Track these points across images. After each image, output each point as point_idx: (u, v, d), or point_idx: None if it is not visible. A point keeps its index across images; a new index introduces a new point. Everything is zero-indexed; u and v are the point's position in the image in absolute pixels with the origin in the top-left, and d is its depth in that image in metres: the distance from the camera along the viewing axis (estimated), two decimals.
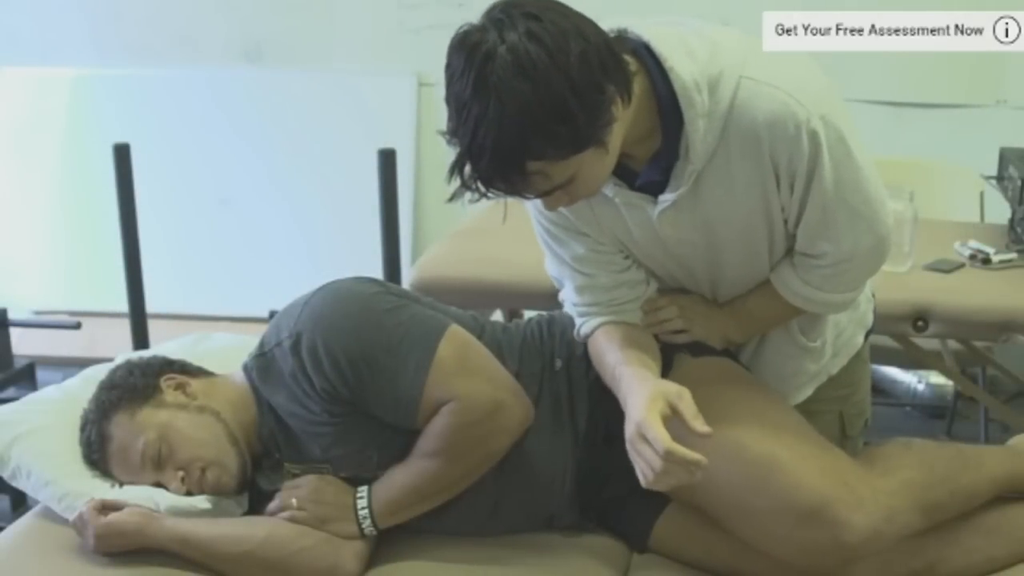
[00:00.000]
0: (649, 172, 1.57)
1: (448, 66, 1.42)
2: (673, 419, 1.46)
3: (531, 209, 1.69)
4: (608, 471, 1.74)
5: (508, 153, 1.38)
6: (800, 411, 1.79)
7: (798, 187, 1.54)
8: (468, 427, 1.61)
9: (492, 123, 1.36)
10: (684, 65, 1.48)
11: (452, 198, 1.46)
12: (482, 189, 1.43)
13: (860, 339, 1.88)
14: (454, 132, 1.41)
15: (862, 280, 1.71)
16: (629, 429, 1.48)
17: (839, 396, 1.88)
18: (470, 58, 1.37)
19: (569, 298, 1.75)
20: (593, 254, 1.69)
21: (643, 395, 1.49)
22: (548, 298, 2.08)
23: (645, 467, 1.45)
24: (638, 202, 1.60)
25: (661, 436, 1.42)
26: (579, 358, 1.76)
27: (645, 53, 1.49)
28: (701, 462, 1.42)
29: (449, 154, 1.45)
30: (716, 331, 1.75)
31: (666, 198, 1.57)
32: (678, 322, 1.73)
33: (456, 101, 1.40)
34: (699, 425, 1.44)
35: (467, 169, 1.41)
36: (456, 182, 1.43)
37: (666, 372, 1.66)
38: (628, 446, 1.48)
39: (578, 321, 1.74)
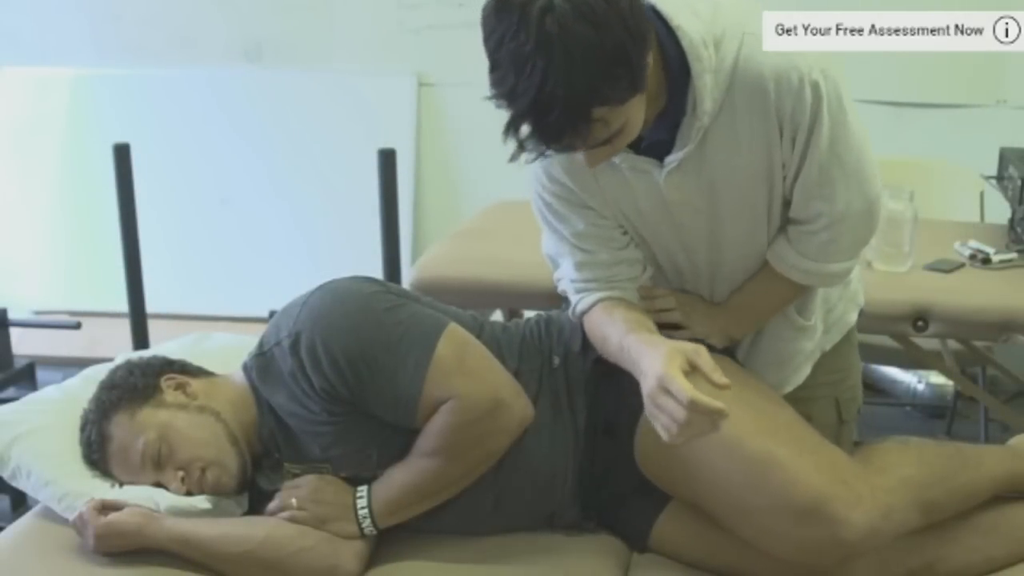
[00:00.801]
0: (655, 131, 1.59)
1: (492, 31, 1.42)
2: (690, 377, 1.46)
3: (535, 184, 1.70)
4: (609, 467, 1.74)
5: (578, 101, 1.40)
6: (798, 398, 1.81)
7: (799, 141, 1.58)
8: (467, 426, 1.61)
9: (561, 72, 1.37)
10: (691, 23, 1.52)
11: (512, 158, 1.49)
12: (542, 146, 1.45)
13: (853, 316, 1.91)
14: (512, 92, 1.41)
15: (855, 248, 1.72)
16: (649, 384, 1.48)
17: (833, 381, 1.90)
18: (524, 15, 1.38)
19: (567, 275, 1.75)
20: (594, 229, 1.70)
21: (660, 352, 1.49)
22: (548, 298, 2.08)
23: (668, 421, 1.45)
24: (645, 166, 1.62)
25: (684, 387, 1.42)
26: (576, 355, 1.77)
27: (652, 15, 1.52)
28: (724, 411, 1.42)
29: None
30: (716, 328, 1.76)
31: (672, 159, 1.60)
32: (676, 315, 1.75)
33: (514, 59, 1.39)
34: (718, 377, 1.45)
35: (526, 128, 1.43)
36: (511, 144, 1.45)
37: None
38: (648, 402, 1.48)
39: (575, 298, 1.74)
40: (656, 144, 1.60)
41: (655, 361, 1.48)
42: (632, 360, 1.57)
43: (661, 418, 1.46)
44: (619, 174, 1.64)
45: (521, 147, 1.46)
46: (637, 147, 1.61)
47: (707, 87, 1.53)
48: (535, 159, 1.50)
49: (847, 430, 1.90)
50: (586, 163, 1.55)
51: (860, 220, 1.67)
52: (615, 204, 1.69)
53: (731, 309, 1.78)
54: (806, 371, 1.85)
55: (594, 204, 1.69)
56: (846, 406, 1.92)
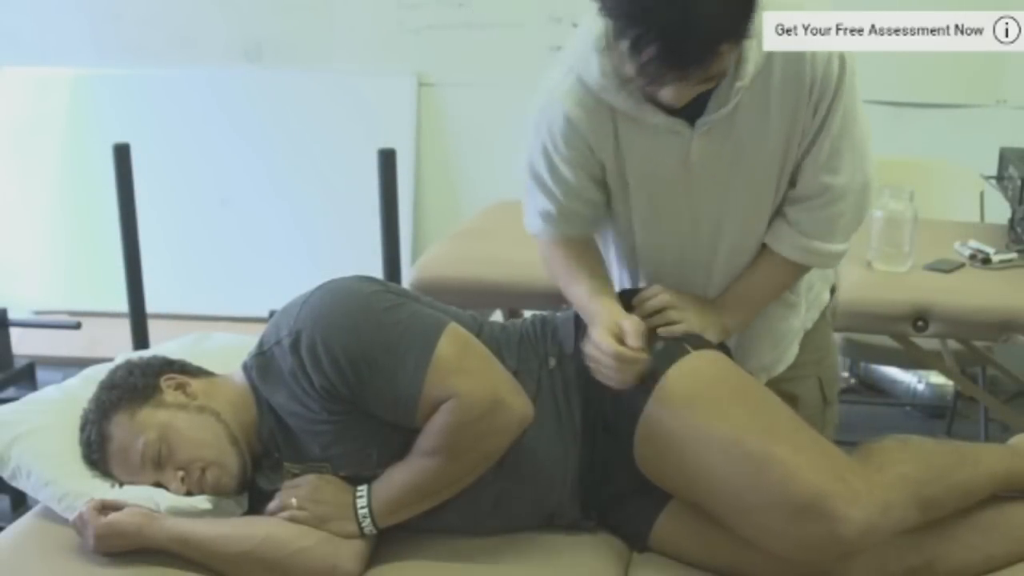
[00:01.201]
0: None
1: None
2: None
3: (542, 136, 1.73)
4: (609, 466, 1.75)
5: (722, 29, 1.48)
6: (785, 379, 1.91)
7: (822, 108, 1.68)
8: (467, 425, 1.61)
9: (712, 3, 1.45)
10: None
11: (622, 86, 1.59)
12: (662, 72, 1.49)
13: (827, 296, 2.02)
14: (650, 10, 1.45)
15: (852, 226, 1.81)
16: (587, 349, 1.70)
17: (815, 360, 1.98)
18: None
19: (538, 208, 1.80)
20: (582, 185, 1.76)
21: (597, 326, 1.70)
22: (548, 298, 2.08)
23: (606, 373, 1.67)
24: (678, 127, 1.67)
25: (607, 343, 1.66)
26: (569, 357, 1.78)
27: None
28: (643, 356, 1.66)
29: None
30: (711, 323, 1.79)
31: (707, 120, 1.66)
32: (672, 313, 1.76)
33: None
34: (632, 340, 1.66)
35: (652, 50, 1.46)
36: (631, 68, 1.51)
37: (668, 365, 1.69)
38: (589, 363, 1.70)
39: (535, 222, 1.82)
40: (686, 107, 1.64)
41: (593, 331, 1.70)
42: (581, 315, 1.77)
43: (600, 373, 1.68)
44: (645, 136, 1.69)
45: (640, 72, 1.51)
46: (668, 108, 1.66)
47: (752, 48, 1.60)
48: (645, 85, 1.55)
49: (831, 412, 1.99)
50: (674, 100, 1.58)
51: (859, 197, 1.76)
52: (635, 168, 1.73)
53: (726, 301, 1.83)
54: (795, 350, 1.93)
55: (606, 160, 1.73)
56: (829, 385, 2.01)
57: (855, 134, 1.72)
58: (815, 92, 1.66)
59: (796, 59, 1.64)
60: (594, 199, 1.79)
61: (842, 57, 1.66)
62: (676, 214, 1.78)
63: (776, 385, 1.88)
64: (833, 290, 2.04)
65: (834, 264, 1.88)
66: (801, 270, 1.85)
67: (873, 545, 1.60)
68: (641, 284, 1.88)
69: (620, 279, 1.92)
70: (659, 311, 1.77)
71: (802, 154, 1.72)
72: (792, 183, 1.76)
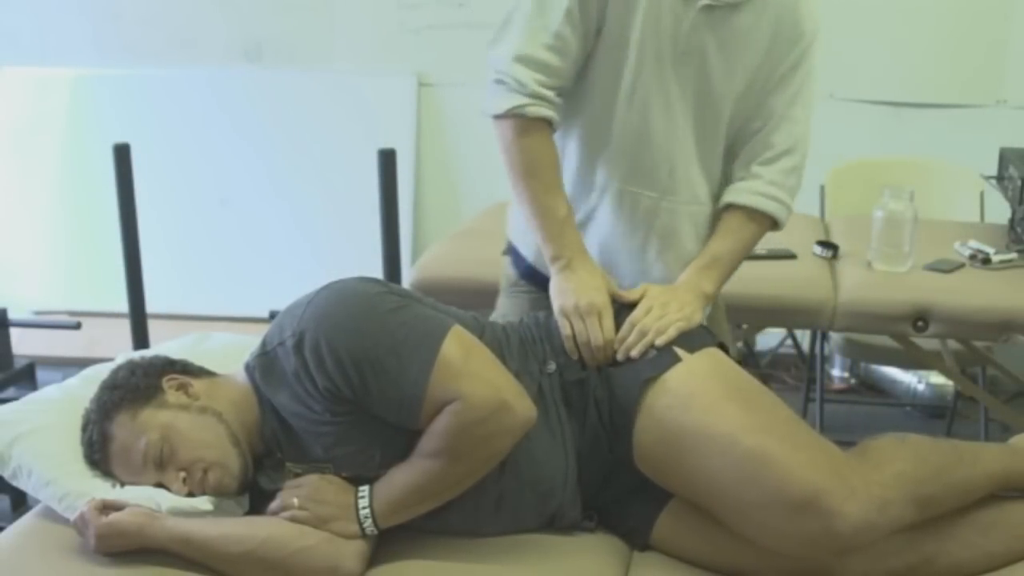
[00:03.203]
0: None
1: None
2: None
3: None
4: (609, 466, 1.75)
5: None
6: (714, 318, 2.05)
7: (795, 54, 1.88)
8: (471, 427, 1.61)
9: None
10: None
11: None
12: None
13: None
14: None
15: (797, 186, 1.97)
16: (582, 303, 1.80)
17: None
18: None
19: (527, 62, 1.82)
20: (577, 20, 1.82)
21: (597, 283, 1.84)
22: None
23: (583, 337, 1.76)
24: None
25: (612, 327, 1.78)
26: (565, 361, 1.78)
27: None
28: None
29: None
30: (690, 300, 1.84)
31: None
32: (654, 312, 1.79)
33: None
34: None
35: None
36: None
37: (664, 370, 1.70)
38: (575, 315, 1.79)
39: (524, 99, 1.83)
40: None
41: (597, 292, 1.81)
42: (565, 243, 1.86)
43: (577, 328, 1.77)
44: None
45: None
46: None
47: None
48: None
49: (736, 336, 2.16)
50: None
51: (804, 157, 1.94)
52: (638, 24, 1.81)
53: (699, 267, 1.92)
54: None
55: (611, 13, 1.81)
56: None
57: (808, 95, 1.91)
58: (795, 36, 1.86)
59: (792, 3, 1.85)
60: (576, 56, 1.84)
61: (816, 22, 1.87)
62: (658, 93, 1.86)
63: None
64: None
65: (785, 220, 1.96)
66: (761, 228, 1.96)
67: (871, 542, 1.60)
68: (600, 196, 1.95)
69: (577, 190, 1.96)
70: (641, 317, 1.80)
71: (769, 90, 1.89)
72: (754, 132, 1.92)
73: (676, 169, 1.91)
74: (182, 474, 1.67)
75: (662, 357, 1.73)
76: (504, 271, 2.17)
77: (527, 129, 1.85)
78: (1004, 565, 1.69)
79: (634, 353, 1.75)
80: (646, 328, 1.77)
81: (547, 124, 1.86)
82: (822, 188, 3.43)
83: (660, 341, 1.75)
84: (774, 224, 1.96)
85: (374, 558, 1.69)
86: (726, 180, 1.97)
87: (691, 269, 1.92)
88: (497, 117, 1.87)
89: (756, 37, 1.85)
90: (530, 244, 2.01)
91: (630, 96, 1.87)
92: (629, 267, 1.97)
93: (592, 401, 1.75)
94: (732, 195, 1.94)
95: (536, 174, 1.86)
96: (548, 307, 1.86)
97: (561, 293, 1.83)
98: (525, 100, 1.83)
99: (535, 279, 2.04)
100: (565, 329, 1.78)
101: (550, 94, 1.84)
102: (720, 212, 1.96)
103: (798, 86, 1.90)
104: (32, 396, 1.92)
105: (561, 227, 1.87)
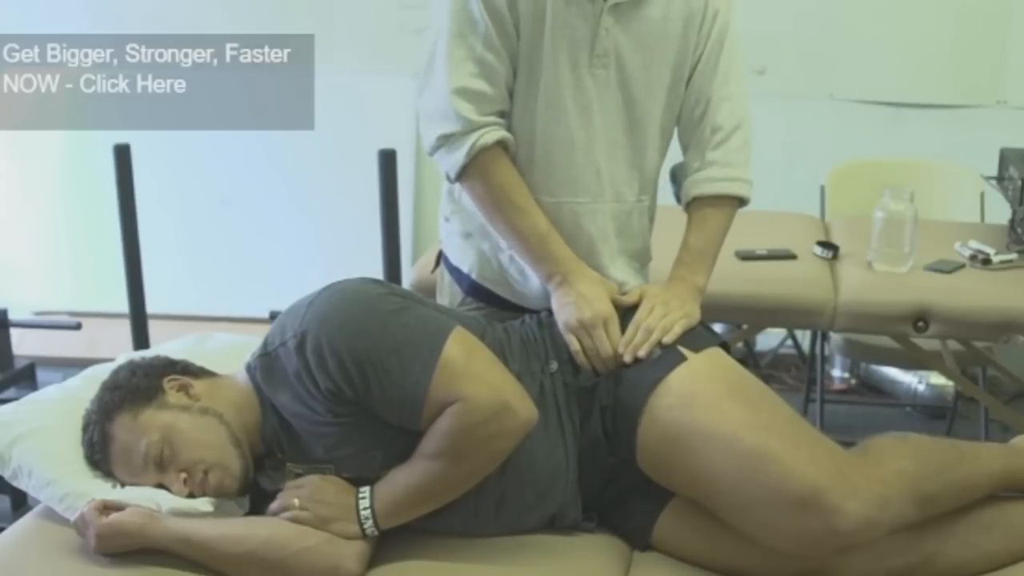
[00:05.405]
0: None
1: None
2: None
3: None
4: (610, 466, 1.75)
5: None
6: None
7: (716, 30, 1.88)
8: (472, 428, 1.61)
9: None
10: None
11: None
12: None
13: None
14: None
15: (749, 157, 1.95)
16: (590, 314, 1.79)
17: None
18: None
19: (460, 93, 1.81)
20: (498, 46, 1.80)
21: (599, 291, 1.83)
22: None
23: (591, 349, 1.77)
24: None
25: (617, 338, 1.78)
26: (566, 362, 1.79)
27: None
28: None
29: None
30: (688, 297, 1.85)
31: None
32: (658, 311, 1.79)
33: None
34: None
35: None
36: None
37: (670, 369, 1.71)
38: (580, 329, 1.78)
39: (473, 134, 1.82)
40: None
41: (600, 302, 1.81)
42: (554, 259, 1.85)
43: (585, 344, 1.76)
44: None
45: None
46: None
47: None
48: None
49: None
50: None
51: (750, 123, 1.93)
52: (550, 29, 1.80)
53: (685, 264, 1.91)
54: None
55: (523, 13, 1.79)
56: None
57: (740, 68, 1.92)
58: (709, 16, 1.86)
59: None
60: (506, 77, 1.83)
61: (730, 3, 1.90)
62: (576, 100, 1.84)
63: None
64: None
65: (749, 194, 1.95)
66: (731, 210, 1.94)
67: (871, 540, 1.61)
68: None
69: None
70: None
71: (698, 75, 1.89)
72: (697, 121, 1.91)
73: (602, 172, 1.89)
74: (183, 475, 1.67)
75: (668, 357, 1.73)
76: (443, 288, 2.12)
77: (486, 163, 1.84)
78: (1004, 565, 1.69)
79: (641, 353, 1.75)
80: (651, 327, 1.77)
81: (503, 148, 1.85)
82: (822, 188, 3.43)
83: (667, 339, 1.75)
84: (740, 202, 1.96)
85: (374, 559, 1.69)
86: (685, 171, 1.95)
87: (678, 266, 1.91)
88: (459, 175, 1.89)
89: (669, 26, 1.84)
90: (469, 258, 2.00)
91: (547, 108, 1.85)
92: None
93: (598, 406, 1.75)
94: (694, 188, 1.93)
95: (507, 202, 1.85)
96: (500, 320, 1.86)
97: (563, 309, 1.82)
98: (474, 135, 1.82)
99: (479, 295, 2.00)
100: (573, 345, 1.78)
101: (492, 118, 1.83)
102: (687, 207, 1.95)
103: (726, 64, 1.90)
104: (32, 396, 1.92)
105: (545, 244, 1.85)
